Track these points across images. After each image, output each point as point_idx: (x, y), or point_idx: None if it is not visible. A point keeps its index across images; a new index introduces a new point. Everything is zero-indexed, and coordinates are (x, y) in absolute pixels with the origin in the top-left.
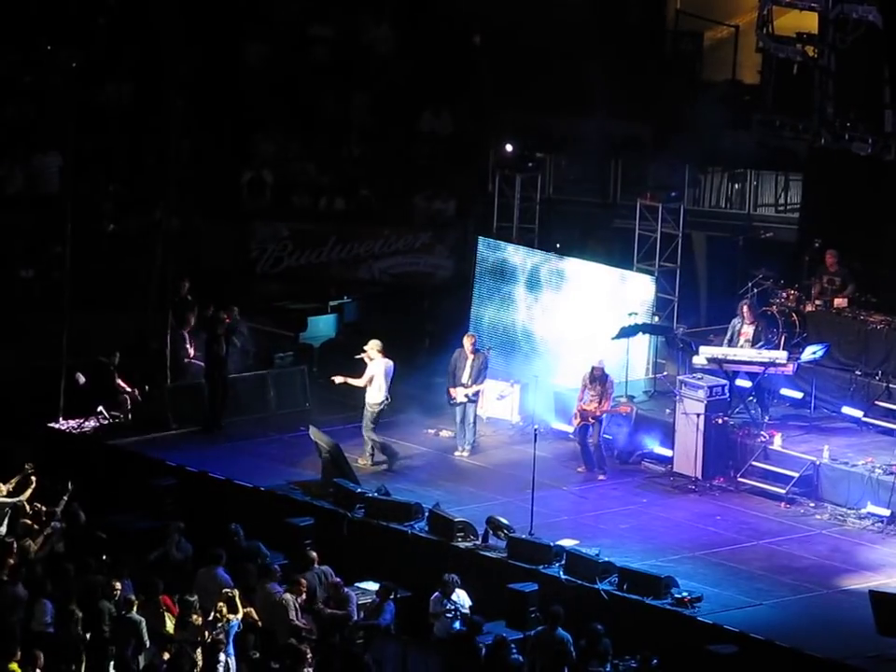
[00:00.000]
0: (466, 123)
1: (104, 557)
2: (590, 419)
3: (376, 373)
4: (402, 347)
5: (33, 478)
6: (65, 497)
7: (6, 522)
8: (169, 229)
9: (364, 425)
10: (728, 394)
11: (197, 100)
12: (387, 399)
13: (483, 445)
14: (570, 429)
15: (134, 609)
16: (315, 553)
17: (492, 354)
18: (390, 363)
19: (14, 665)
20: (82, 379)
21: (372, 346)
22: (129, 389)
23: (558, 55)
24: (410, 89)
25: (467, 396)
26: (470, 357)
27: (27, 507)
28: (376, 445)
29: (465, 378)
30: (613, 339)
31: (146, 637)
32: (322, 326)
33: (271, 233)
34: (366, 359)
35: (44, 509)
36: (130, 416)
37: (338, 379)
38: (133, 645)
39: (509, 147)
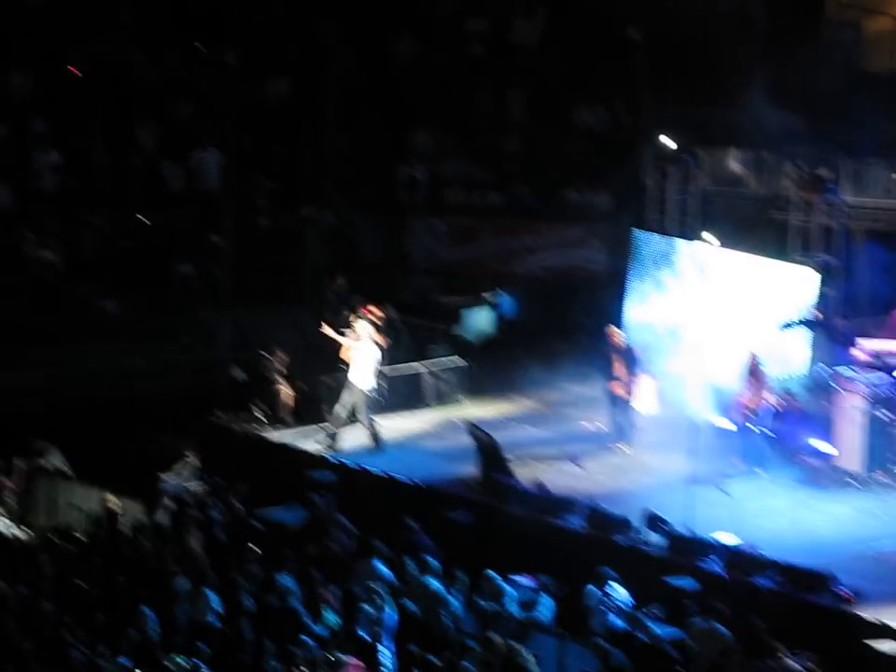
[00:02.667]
0: (621, 117)
1: (261, 550)
2: (748, 412)
3: (366, 355)
4: (557, 341)
5: (194, 463)
6: (216, 487)
7: (168, 511)
8: (325, 224)
9: (358, 409)
10: (889, 388)
11: (353, 96)
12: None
13: (639, 439)
14: (728, 424)
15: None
16: None
17: (647, 347)
18: (378, 351)
19: (179, 658)
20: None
21: (365, 328)
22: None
23: (715, 46)
24: (565, 83)
25: (621, 390)
26: (620, 351)
27: (187, 495)
28: (367, 427)
29: (617, 372)
30: (773, 332)
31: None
32: (477, 320)
33: (426, 228)
34: (353, 333)
35: (205, 494)
36: (288, 410)
37: (327, 329)
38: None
39: (667, 141)
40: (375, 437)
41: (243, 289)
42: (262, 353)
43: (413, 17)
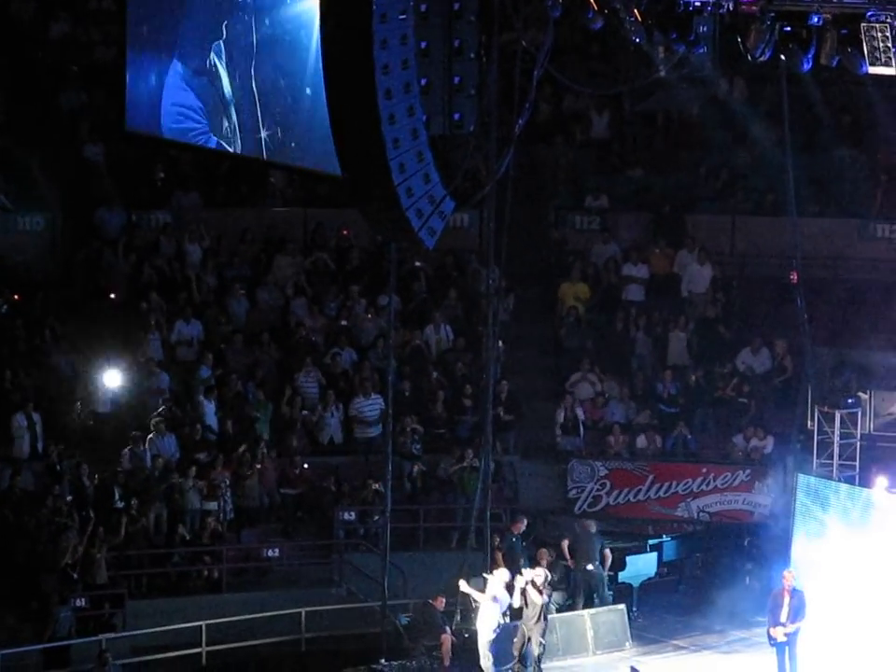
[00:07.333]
0: (783, 360)
1: None
2: None
3: (490, 609)
4: (722, 585)
5: None
6: None
7: None
8: (486, 470)
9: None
10: None
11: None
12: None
13: None
14: None
15: None
16: None
17: (815, 593)
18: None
19: None
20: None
21: (500, 577)
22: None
23: (874, 291)
24: (727, 327)
25: (785, 635)
26: (787, 595)
27: None
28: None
29: (783, 617)
30: None
31: None
32: (641, 564)
33: (588, 473)
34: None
35: None
36: (448, 657)
37: (463, 586)
38: None
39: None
40: None
41: (405, 535)
42: (427, 600)
43: None
